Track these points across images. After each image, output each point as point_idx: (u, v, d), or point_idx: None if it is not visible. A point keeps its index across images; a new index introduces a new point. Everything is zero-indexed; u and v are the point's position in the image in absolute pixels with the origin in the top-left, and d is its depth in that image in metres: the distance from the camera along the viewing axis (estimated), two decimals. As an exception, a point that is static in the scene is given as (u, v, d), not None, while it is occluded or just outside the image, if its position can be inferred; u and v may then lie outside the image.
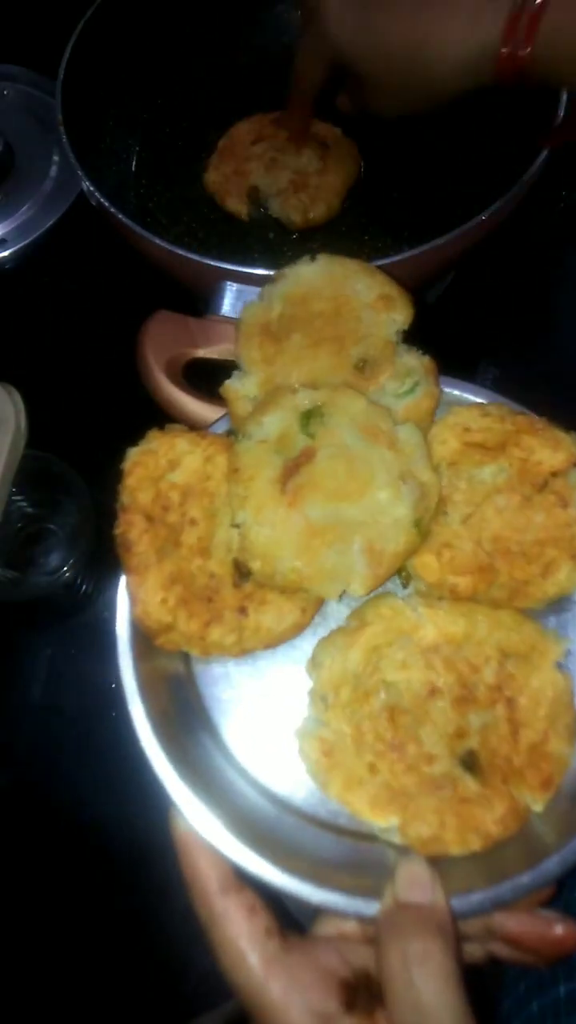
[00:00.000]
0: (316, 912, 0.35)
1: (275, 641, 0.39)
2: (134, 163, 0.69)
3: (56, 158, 0.73)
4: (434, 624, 0.38)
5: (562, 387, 0.62)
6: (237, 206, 0.65)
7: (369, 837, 0.37)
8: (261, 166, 0.65)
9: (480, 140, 0.65)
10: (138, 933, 0.53)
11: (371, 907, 0.33)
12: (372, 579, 0.37)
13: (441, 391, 0.43)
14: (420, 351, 0.42)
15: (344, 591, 0.37)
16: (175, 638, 0.39)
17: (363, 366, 0.42)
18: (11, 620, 0.61)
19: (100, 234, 0.58)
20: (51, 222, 0.70)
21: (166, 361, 0.49)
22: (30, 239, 0.69)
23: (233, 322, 0.50)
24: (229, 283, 0.50)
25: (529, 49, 0.45)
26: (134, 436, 0.66)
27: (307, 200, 0.63)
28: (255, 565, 0.38)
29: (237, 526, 0.38)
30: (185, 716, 0.40)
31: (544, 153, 0.52)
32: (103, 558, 0.62)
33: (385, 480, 0.37)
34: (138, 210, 0.66)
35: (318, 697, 0.38)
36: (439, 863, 0.34)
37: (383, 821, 0.35)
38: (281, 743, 0.39)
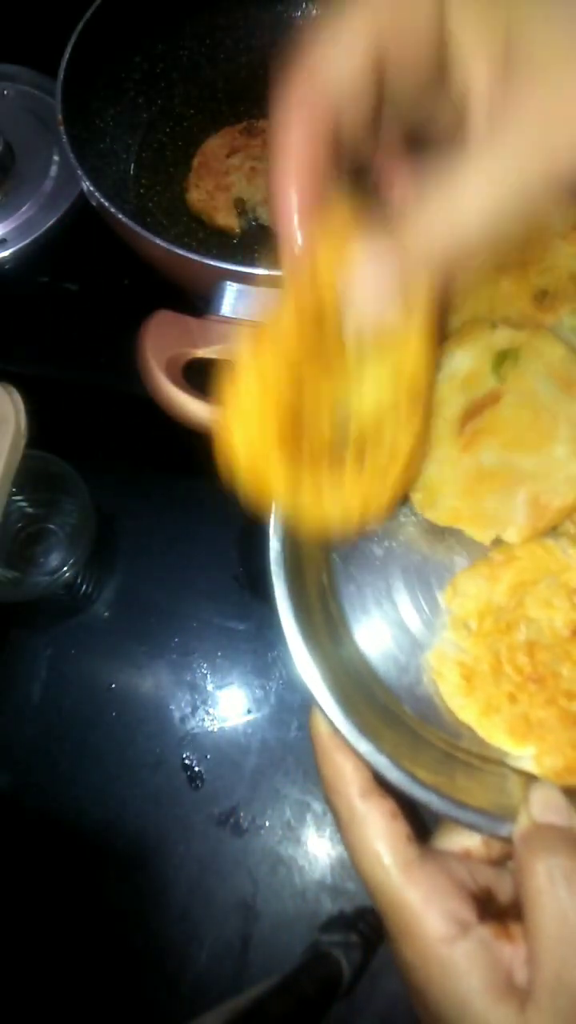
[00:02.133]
0: (438, 825, 0.36)
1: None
2: (134, 163, 0.69)
3: (56, 158, 0.73)
4: None
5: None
6: (227, 220, 0.65)
7: (495, 762, 0.37)
8: (242, 177, 0.65)
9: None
10: (137, 933, 0.53)
11: (502, 827, 0.33)
12: (530, 530, 0.37)
13: None
14: None
15: (497, 537, 0.37)
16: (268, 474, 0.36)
17: (543, 297, 0.40)
18: (11, 620, 0.61)
19: (100, 234, 0.58)
20: (51, 222, 0.70)
21: (166, 361, 0.49)
22: (30, 239, 0.69)
23: (233, 322, 0.50)
24: (229, 283, 0.50)
25: None
26: (134, 436, 0.66)
27: None
28: (416, 496, 0.37)
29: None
30: (330, 626, 0.40)
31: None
32: (103, 558, 0.62)
33: (567, 435, 0.36)
34: (138, 210, 0.66)
35: (460, 623, 0.38)
36: (571, 795, 0.34)
37: (519, 749, 0.36)
38: (412, 663, 0.39)
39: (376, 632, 0.40)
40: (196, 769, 0.56)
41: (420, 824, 0.35)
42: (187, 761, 0.57)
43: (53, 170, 0.72)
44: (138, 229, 0.52)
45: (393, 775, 0.34)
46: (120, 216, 0.52)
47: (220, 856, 0.54)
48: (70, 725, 0.58)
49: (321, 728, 0.36)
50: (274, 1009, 0.43)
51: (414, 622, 0.40)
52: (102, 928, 0.54)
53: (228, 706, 0.58)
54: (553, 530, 0.40)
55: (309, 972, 0.46)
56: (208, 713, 0.58)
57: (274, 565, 0.39)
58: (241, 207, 0.65)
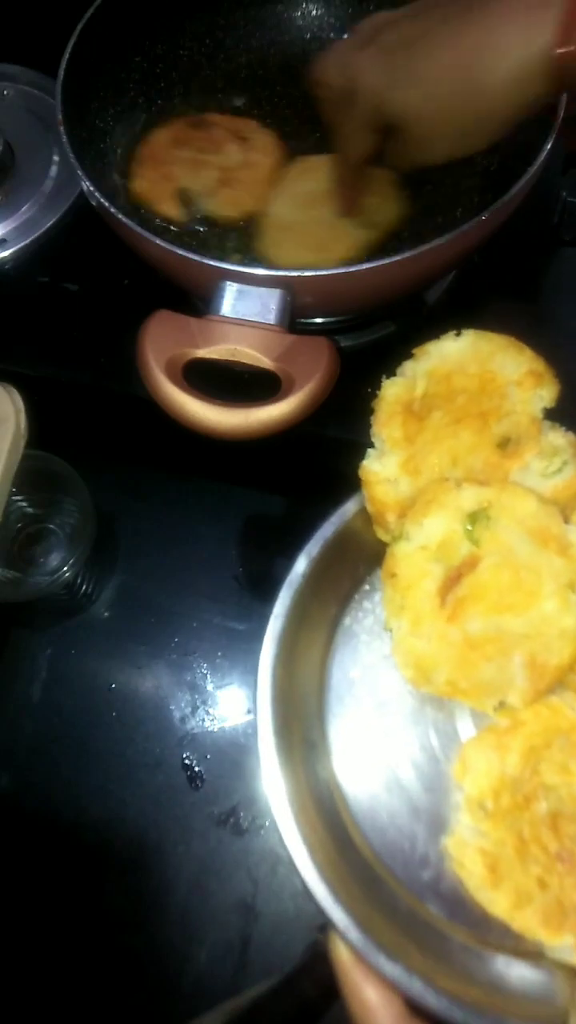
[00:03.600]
0: None
1: None
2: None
3: (56, 158, 0.73)
4: None
5: (563, 387, 0.62)
6: (169, 211, 0.65)
7: (534, 954, 0.35)
8: (186, 168, 0.65)
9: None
10: (136, 933, 0.53)
11: None
12: (532, 693, 0.36)
13: None
14: (566, 428, 0.41)
15: (500, 704, 0.36)
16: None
17: (506, 444, 0.40)
18: (11, 620, 0.61)
19: (100, 234, 0.58)
20: (51, 222, 0.70)
21: (166, 361, 0.49)
22: (30, 239, 0.69)
23: (233, 322, 0.50)
24: (229, 283, 0.50)
25: None
26: (134, 436, 0.66)
27: (234, 194, 0.64)
28: (407, 673, 0.37)
29: (390, 630, 0.37)
30: (338, 831, 0.38)
31: (544, 153, 0.52)
32: (103, 558, 0.62)
33: (552, 589, 0.36)
34: (138, 210, 0.66)
35: (475, 804, 0.35)
36: None
37: (557, 940, 0.33)
38: (432, 852, 0.38)
39: (387, 821, 0.38)
40: (196, 769, 0.56)
41: None
42: (187, 761, 0.57)
43: (53, 170, 0.72)
44: (138, 229, 0.52)
45: (430, 1000, 0.31)
46: (120, 216, 0.52)
47: (220, 856, 0.54)
48: (70, 725, 0.58)
49: (342, 955, 0.33)
50: (274, 1009, 0.43)
51: (425, 802, 0.38)
52: (102, 928, 0.54)
53: (228, 706, 0.58)
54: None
55: (309, 972, 0.46)
56: (208, 713, 0.58)
57: (268, 773, 0.37)
58: (185, 198, 0.65)
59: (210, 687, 0.59)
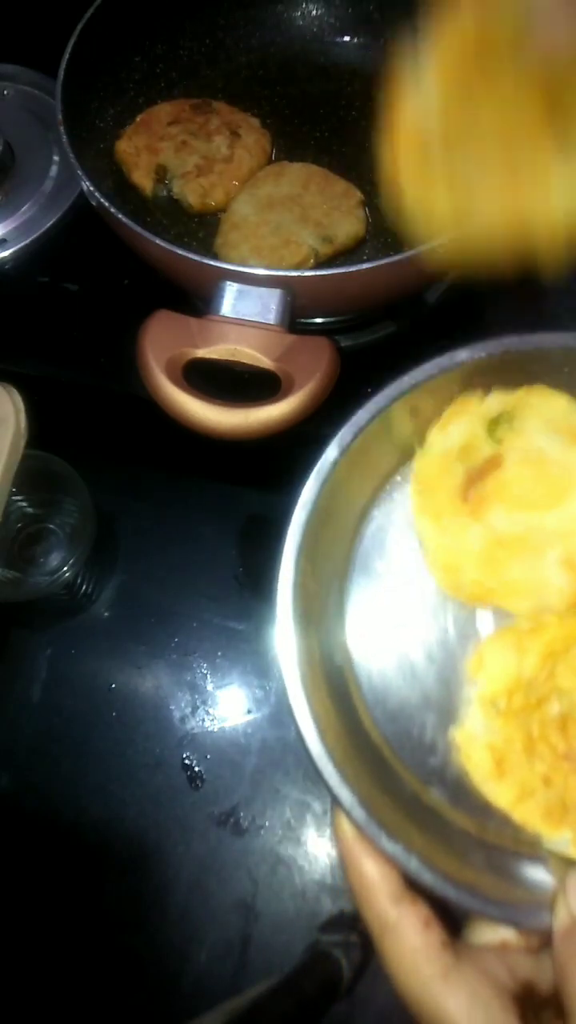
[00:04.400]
0: (470, 917, 0.35)
1: None
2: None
3: (56, 158, 0.73)
4: None
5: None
6: (142, 180, 0.66)
7: (528, 845, 0.35)
8: (172, 146, 0.66)
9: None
10: (136, 933, 0.53)
11: (540, 918, 0.32)
12: (573, 594, 0.35)
13: None
14: None
15: (535, 605, 0.35)
16: None
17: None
18: (11, 620, 0.61)
19: (100, 234, 0.58)
20: (51, 222, 0.70)
21: (166, 361, 0.49)
22: (30, 239, 0.69)
23: (233, 322, 0.50)
24: (229, 283, 0.50)
25: None
26: (134, 436, 0.66)
27: (206, 185, 0.64)
28: (437, 575, 0.36)
29: (420, 539, 0.36)
30: (347, 709, 0.38)
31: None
32: (103, 558, 0.62)
33: None
34: (138, 210, 0.66)
35: (487, 701, 0.36)
36: None
37: (556, 834, 0.34)
38: (439, 741, 0.37)
39: (398, 707, 0.38)
40: (196, 769, 0.56)
41: (452, 920, 0.34)
42: (187, 761, 0.57)
43: (53, 170, 0.72)
44: (138, 229, 0.52)
45: (426, 877, 0.32)
46: (120, 216, 0.52)
47: (220, 856, 0.54)
48: (70, 725, 0.58)
49: (346, 830, 0.34)
50: (274, 1009, 0.43)
51: (438, 692, 0.38)
52: (102, 928, 0.54)
53: (228, 706, 0.58)
54: None
55: (309, 972, 0.46)
56: (208, 713, 0.58)
57: (283, 654, 0.36)
58: (161, 173, 0.66)
59: (210, 687, 0.59)
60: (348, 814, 0.34)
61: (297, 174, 0.64)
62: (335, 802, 0.34)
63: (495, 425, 0.36)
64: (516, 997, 0.32)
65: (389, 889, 0.33)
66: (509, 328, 0.65)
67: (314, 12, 0.73)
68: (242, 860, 0.54)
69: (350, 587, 0.40)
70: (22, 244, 0.69)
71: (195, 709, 0.58)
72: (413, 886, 0.33)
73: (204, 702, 0.58)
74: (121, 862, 0.54)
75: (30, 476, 0.57)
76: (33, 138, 0.74)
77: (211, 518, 0.64)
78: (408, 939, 0.32)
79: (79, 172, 0.55)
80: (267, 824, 0.55)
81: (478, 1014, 0.31)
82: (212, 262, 0.50)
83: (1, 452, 0.52)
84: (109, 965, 0.53)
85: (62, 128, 0.57)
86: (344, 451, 0.37)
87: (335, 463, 0.37)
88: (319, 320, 0.61)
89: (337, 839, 0.35)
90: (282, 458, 0.62)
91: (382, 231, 0.63)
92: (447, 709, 0.38)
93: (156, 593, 0.62)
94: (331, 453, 0.37)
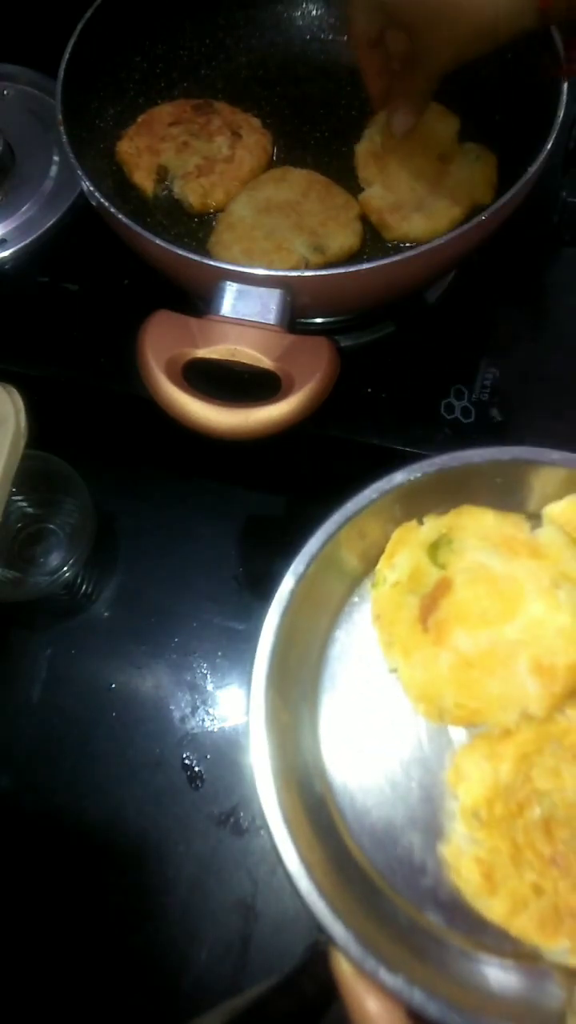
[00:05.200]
0: None
1: None
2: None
3: (56, 158, 0.73)
4: None
5: (562, 388, 0.62)
6: (144, 180, 0.66)
7: (532, 958, 0.35)
8: (173, 147, 0.66)
9: (478, 140, 0.65)
10: (137, 932, 0.53)
11: None
12: (549, 698, 0.35)
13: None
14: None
15: (521, 715, 0.36)
16: None
17: None
18: (11, 620, 0.61)
19: (100, 234, 0.58)
20: (51, 222, 0.70)
21: (166, 361, 0.49)
22: (30, 239, 0.69)
23: (233, 322, 0.50)
24: (229, 283, 0.50)
25: None
26: (134, 436, 0.66)
27: (207, 185, 0.64)
28: (419, 708, 0.36)
29: (394, 671, 0.37)
30: (333, 843, 0.38)
31: (544, 153, 0.52)
32: (103, 558, 0.62)
33: (535, 591, 0.35)
34: (138, 210, 0.66)
35: (469, 813, 0.36)
36: None
37: (554, 944, 0.33)
38: (429, 861, 0.38)
39: (384, 833, 0.38)
40: (196, 769, 0.56)
41: None
42: (187, 761, 0.57)
43: (53, 170, 0.72)
44: (138, 229, 0.52)
45: (431, 1009, 0.31)
46: (120, 216, 0.52)
47: (220, 856, 0.54)
48: (70, 725, 0.58)
49: (344, 968, 0.33)
50: (274, 1009, 0.43)
51: (421, 811, 0.38)
52: (102, 928, 0.54)
53: (228, 706, 0.58)
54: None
55: (309, 972, 0.46)
56: (208, 713, 0.58)
57: (263, 791, 0.36)
58: (162, 174, 0.66)
59: (210, 687, 0.59)
60: (344, 951, 0.33)
61: (299, 180, 0.64)
62: (330, 940, 0.34)
63: (435, 550, 0.38)
64: None
65: None
66: (506, 328, 0.65)
67: (314, 12, 0.73)
68: (242, 860, 0.54)
69: (320, 711, 0.41)
70: (22, 244, 0.69)
71: (195, 709, 0.58)
72: (418, 1019, 0.32)
73: (204, 702, 0.58)
74: (121, 862, 0.54)
75: (30, 476, 0.57)
76: (33, 138, 0.74)
77: (211, 518, 0.64)
78: None
79: (79, 172, 0.55)
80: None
81: None
82: (212, 262, 0.50)
83: (1, 452, 0.52)
84: (109, 965, 0.53)
85: (62, 128, 0.57)
86: (300, 579, 0.39)
87: (292, 592, 0.39)
88: (319, 320, 0.61)
89: (336, 978, 0.34)
90: (282, 458, 0.62)
91: (379, 246, 0.63)
92: (432, 826, 0.38)
93: (156, 593, 0.62)
94: (288, 583, 0.39)
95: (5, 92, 0.77)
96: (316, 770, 0.40)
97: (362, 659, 0.42)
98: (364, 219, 0.63)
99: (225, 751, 0.57)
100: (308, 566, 0.39)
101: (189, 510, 0.65)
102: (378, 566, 0.39)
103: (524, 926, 0.34)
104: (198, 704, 0.58)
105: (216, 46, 0.72)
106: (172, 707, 0.58)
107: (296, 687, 0.40)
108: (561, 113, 0.54)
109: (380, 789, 0.39)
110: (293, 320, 0.51)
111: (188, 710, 0.58)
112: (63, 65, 0.59)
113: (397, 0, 0.49)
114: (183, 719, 0.58)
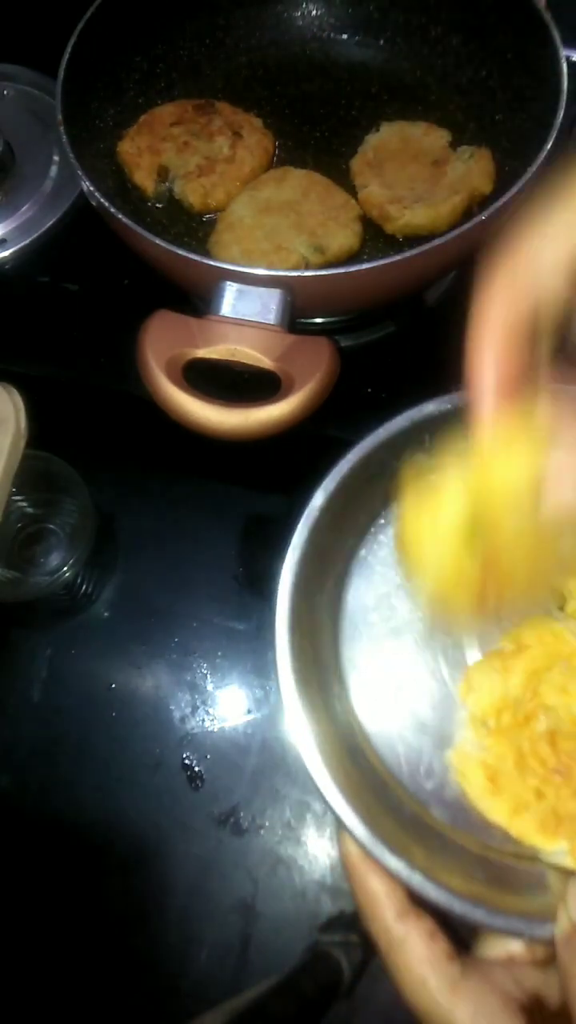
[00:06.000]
0: (478, 931, 0.35)
1: None
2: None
3: (56, 158, 0.73)
4: None
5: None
6: (144, 180, 0.66)
7: (528, 858, 0.36)
8: (174, 147, 0.66)
9: (477, 138, 0.65)
10: (136, 933, 0.53)
11: (542, 929, 0.33)
12: None
13: None
14: None
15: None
16: None
17: None
18: (11, 620, 0.61)
19: (100, 234, 0.58)
20: (51, 222, 0.70)
21: (166, 361, 0.49)
22: (30, 239, 0.69)
23: (233, 322, 0.50)
24: (229, 283, 0.50)
25: None
26: (134, 436, 0.66)
27: (208, 185, 0.64)
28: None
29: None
30: (347, 736, 0.40)
31: (544, 153, 0.52)
32: (103, 558, 0.62)
33: None
34: (138, 210, 0.66)
35: (478, 721, 0.37)
36: None
37: (552, 845, 0.35)
38: (436, 764, 0.39)
39: (395, 735, 0.40)
40: (196, 769, 0.56)
41: (459, 938, 0.35)
42: (187, 761, 0.57)
43: (53, 170, 0.72)
44: (138, 229, 0.52)
45: (430, 891, 0.34)
46: (120, 216, 0.52)
47: (220, 856, 0.54)
48: (70, 725, 0.58)
49: (351, 849, 0.35)
50: (274, 1009, 0.43)
51: (432, 719, 0.40)
52: (102, 928, 0.54)
53: (228, 706, 0.58)
54: (560, 611, 0.40)
55: (309, 972, 0.46)
56: (208, 713, 0.58)
57: (285, 683, 0.38)
58: (163, 174, 0.66)
59: (210, 687, 0.59)
60: (352, 833, 0.35)
61: (299, 181, 0.64)
62: (339, 822, 0.35)
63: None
64: (524, 1008, 0.32)
65: (394, 905, 0.34)
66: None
67: (314, 12, 0.73)
68: (242, 860, 0.54)
69: (343, 624, 0.43)
70: (22, 244, 0.69)
71: (195, 709, 0.58)
72: (418, 902, 0.34)
73: (204, 702, 0.58)
74: (121, 862, 0.54)
75: (30, 476, 0.57)
76: (33, 138, 0.74)
77: (211, 518, 0.64)
78: (415, 952, 0.33)
79: (79, 172, 0.55)
80: (267, 824, 0.55)
81: (484, 1022, 0.31)
82: (212, 262, 0.50)
83: (1, 452, 0.52)
84: (109, 965, 0.53)
85: (62, 128, 0.57)
86: (329, 496, 0.40)
87: (321, 508, 0.40)
88: (319, 320, 0.61)
89: (343, 858, 0.36)
90: (282, 458, 0.62)
91: (379, 246, 0.63)
92: (442, 734, 0.40)
93: (156, 593, 0.62)
94: (318, 499, 0.40)
95: (5, 92, 0.77)
96: (336, 676, 0.41)
97: (384, 576, 0.43)
98: (364, 219, 0.63)
99: (225, 751, 0.57)
100: (338, 483, 0.41)
101: (189, 510, 0.65)
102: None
103: (524, 827, 0.35)
104: (198, 704, 0.58)
105: (216, 46, 0.72)
106: (172, 707, 0.58)
107: (320, 598, 0.42)
108: (561, 113, 0.54)
109: (396, 697, 0.41)
110: (293, 320, 0.51)
111: (188, 710, 0.58)
112: (63, 65, 0.59)
113: None
114: (183, 719, 0.58)
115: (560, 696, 0.37)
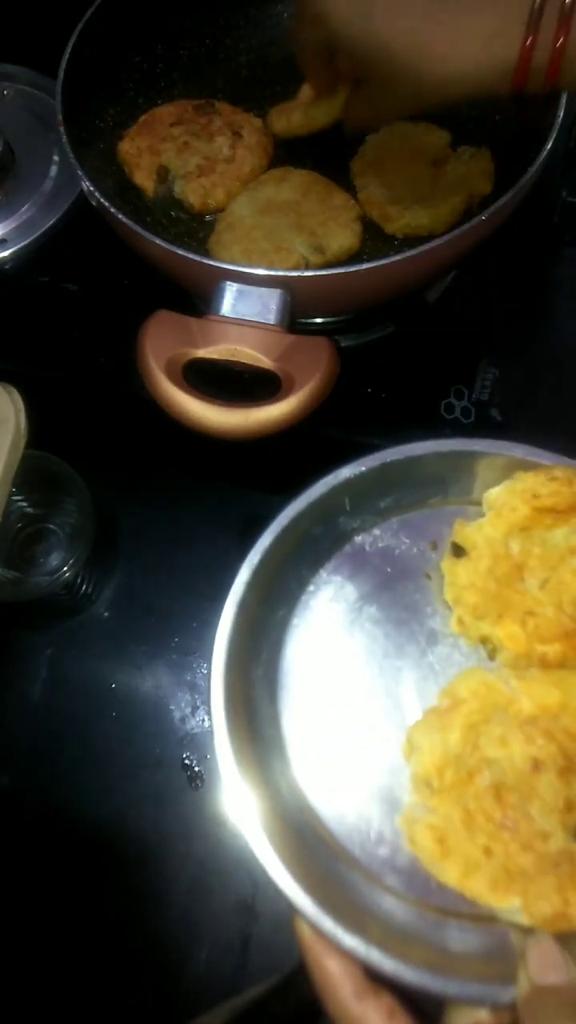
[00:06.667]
0: (443, 1002, 0.35)
1: None
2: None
3: (56, 158, 0.73)
4: (528, 696, 0.37)
5: (562, 387, 0.62)
6: (144, 181, 0.66)
7: (488, 919, 0.36)
8: (174, 147, 0.66)
9: (477, 138, 0.65)
10: (137, 933, 0.53)
11: (506, 993, 0.32)
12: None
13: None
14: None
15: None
16: None
17: None
18: (11, 620, 0.61)
19: (100, 234, 0.58)
20: (51, 222, 0.70)
21: (166, 361, 0.49)
22: (30, 239, 0.69)
23: (233, 322, 0.50)
24: (229, 283, 0.50)
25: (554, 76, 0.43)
26: (134, 436, 0.66)
27: (208, 185, 0.64)
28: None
29: None
30: (293, 812, 0.39)
31: (544, 153, 0.52)
32: (103, 558, 0.62)
33: None
34: (138, 210, 0.66)
35: (422, 782, 0.37)
36: (568, 939, 0.33)
37: (506, 903, 0.34)
38: (387, 830, 0.39)
39: (344, 806, 0.39)
40: (196, 769, 0.56)
41: (423, 1009, 0.34)
42: (187, 761, 0.57)
43: (53, 170, 0.72)
44: (138, 229, 0.52)
45: (387, 967, 0.33)
46: (120, 216, 0.52)
47: (220, 856, 0.54)
48: (70, 725, 0.58)
49: (305, 930, 0.35)
50: (274, 1009, 0.43)
51: (379, 784, 0.40)
52: (102, 928, 0.54)
53: (228, 706, 0.58)
54: (492, 661, 0.41)
55: (309, 972, 0.46)
56: (208, 713, 0.58)
57: (226, 768, 0.38)
58: (163, 174, 0.66)
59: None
60: (303, 914, 0.34)
61: (299, 181, 0.64)
62: (289, 904, 0.35)
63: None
64: None
65: (351, 984, 0.33)
66: (506, 328, 0.65)
67: (314, 12, 0.73)
68: (242, 860, 0.54)
69: (281, 695, 0.43)
70: (22, 244, 0.69)
71: (195, 709, 0.58)
72: (378, 977, 0.33)
73: (204, 702, 0.58)
74: (121, 862, 0.54)
75: (30, 476, 0.57)
76: (33, 138, 0.74)
77: (211, 518, 0.64)
78: None
79: (79, 172, 0.55)
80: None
81: None
82: (212, 262, 0.50)
83: (1, 452, 0.52)
84: (109, 965, 0.53)
85: (62, 128, 0.57)
86: (255, 570, 0.42)
87: (248, 583, 0.42)
88: (319, 320, 0.61)
89: (297, 939, 0.35)
90: (282, 458, 0.62)
91: (378, 246, 0.63)
92: (389, 799, 0.39)
93: (156, 593, 0.62)
94: (243, 575, 0.42)
95: (5, 92, 0.77)
96: (279, 753, 0.41)
97: (317, 642, 0.44)
98: (364, 219, 0.63)
99: (225, 751, 0.57)
100: (262, 556, 0.42)
101: (189, 510, 0.65)
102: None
103: (477, 887, 0.35)
104: (198, 704, 0.58)
105: (216, 46, 0.72)
106: (172, 707, 0.58)
107: (255, 671, 0.42)
108: (561, 113, 0.54)
109: (340, 767, 0.41)
110: (293, 320, 0.51)
111: (188, 710, 0.58)
112: (63, 65, 0.59)
113: (360, 49, 0.46)
114: (183, 719, 0.58)
115: (500, 748, 0.36)
